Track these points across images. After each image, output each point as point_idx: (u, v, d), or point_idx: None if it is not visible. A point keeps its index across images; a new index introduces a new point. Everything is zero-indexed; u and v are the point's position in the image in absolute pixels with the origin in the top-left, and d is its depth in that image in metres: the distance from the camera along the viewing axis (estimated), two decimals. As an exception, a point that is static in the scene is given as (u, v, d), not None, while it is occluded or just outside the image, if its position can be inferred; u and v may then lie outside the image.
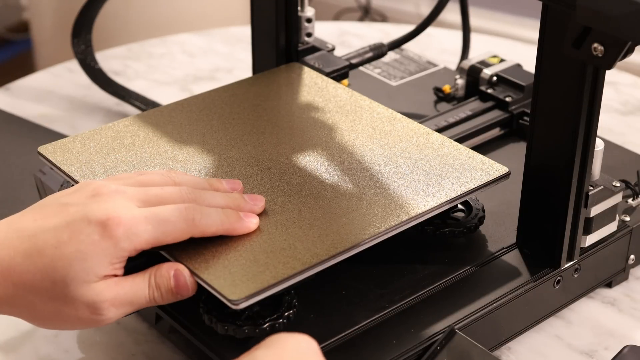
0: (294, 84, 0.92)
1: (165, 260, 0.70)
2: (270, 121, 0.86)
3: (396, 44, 1.04)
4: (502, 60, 0.99)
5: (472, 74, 0.98)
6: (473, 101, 0.97)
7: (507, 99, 0.95)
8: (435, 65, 1.08)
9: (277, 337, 0.60)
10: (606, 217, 0.79)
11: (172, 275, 0.66)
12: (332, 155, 0.81)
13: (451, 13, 1.36)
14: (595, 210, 0.77)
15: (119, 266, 0.65)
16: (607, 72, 0.72)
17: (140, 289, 0.66)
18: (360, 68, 1.05)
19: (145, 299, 0.66)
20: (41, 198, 0.86)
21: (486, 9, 2.43)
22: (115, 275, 0.65)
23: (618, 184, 0.78)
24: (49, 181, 0.85)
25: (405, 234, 0.74)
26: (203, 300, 0.70)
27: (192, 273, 0.68)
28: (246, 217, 0.70)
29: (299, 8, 0.98)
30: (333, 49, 1.00)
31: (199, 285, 0.68)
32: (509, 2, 2.44)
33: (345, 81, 0.98)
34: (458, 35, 1.14)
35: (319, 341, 0.69)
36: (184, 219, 0.66)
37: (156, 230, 0.65)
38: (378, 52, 1.02)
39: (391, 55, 1.09)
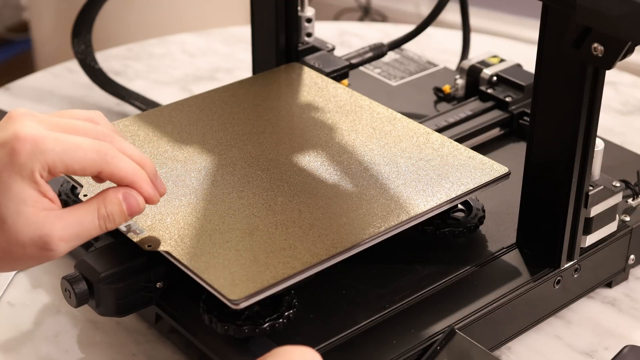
0: (294, 84, 0.92)
1: (165, 260, 0.70)
2: (270, 121, 0.86)
3: (396, 44, 1.04)
4: (502, 60, 0.99)
5: (472, 74, 0.98)
6: (473, 101, 0.97)
7: (507, 99, 0.95)
8: (435, 65, 1.08)
9: (283, 349, 0.59)
10: (606, 217, 0.79)
11: (122, 199, 0.65)
12: (332, 155, 0.81)
13: (451, 13, 1.36)
14: (595, 210, 0.77)
15: (44, 189, 0.62)
16: (607, 72, 0.72)
17: (88, 220, 0.64)
18: (360, 68, 1.05)
19: (95, 229, 0.65)
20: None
21: (486, 9, 2.43)
22: (63, 207, 0.64)
23: (618, 184, 0.78)
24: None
25: (405, 234, 0.74)
26: (203, 300, 0.70)
27: (193, 273, 0.68)
28: (154, 187, 0.68)
29: (299, 8, 0.98)
30: (333, 49, 1.00)
31: (199, 285, 0.68)
32: (509, 2, 2.44)
33: (345, 81, 0.98)
34: (458, 35, 1.13)
35: (319, 341, 0.70)
36: (97, 150, 0.64)
37: (65, 153, 0.62)
38: (378, 52, 1.02)
39: (391, 55, 1.09)
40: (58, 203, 0.64)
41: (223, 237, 0.70)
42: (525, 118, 0.94)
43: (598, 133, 0.74)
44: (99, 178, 0.67)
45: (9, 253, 0.63)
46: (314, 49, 0.99)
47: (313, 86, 0.91)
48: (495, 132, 0.95)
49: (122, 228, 0.72)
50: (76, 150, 0.63)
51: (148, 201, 0.67)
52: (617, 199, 0.79)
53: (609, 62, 0.66)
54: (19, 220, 0.62)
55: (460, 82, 0.99)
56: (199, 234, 0.71)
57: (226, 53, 1.26)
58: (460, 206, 0.81)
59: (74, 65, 1.19)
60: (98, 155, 0.64)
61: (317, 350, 0.69)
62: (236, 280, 0.66)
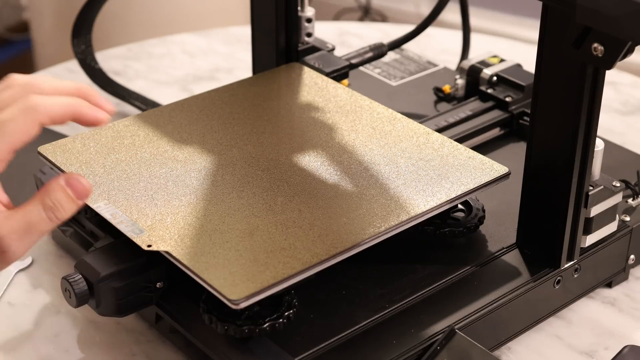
0: (294, 84, 0.92)
1: (165, 260, 0.70)
2: (270, 121, 0.86)
3: (396, 44, 1.04)
4: (502, 60, 0.99)
5: (472, 74, 0.98)
6: (473, 101, 0.97)
7: (507, 99, 0.95)
8: (435, 65, 1.08)
9: None
10: (606, 217, 0.79)
11: (65, 185, 0.64)
12: (332, 155, 0.81)
13: (451, 13, 1.36)
14: (595, 210, 0.77)
15: None
16: (607, 72, 0.72)
17: (34, 214, 0.63)
18: (360, 68, 1.05)
19: (44, 222, 0.64)
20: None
21: (486, 9, 2.43)
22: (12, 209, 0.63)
23: (618, 184, 0.78)
24: (49, 181, 0.85)
25: (405, 234, 0.74)
26: (203, 300, 0.70)
27: (193, 273, 0.68)
28: (97, 108, 0.66)
29: (299, 8, 0.98)
30: (333, 49, 1.00)
31: (199, 285, 0.68)
32: (509, 2, 2.44)
33: (345, 81, 0.98)
34: (458, 35, 1.13)
35: (319, 341, 0.70)
36: (23, 110, 0.62)
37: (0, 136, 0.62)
38: (378, 52, 1.02)
39: (391, 55, 1.09)
40: (9, 204, 0.64)
41: (223, 237, 0.70)
42: (525, 118, 0.94)
43: (598, 133, 0.74)
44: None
45: None
46: (314, 49, 0.99)
47: (313, 86, 0.91)
48: (495, 132, 0.95)
49: (122, 227, 0.72)
50: (7, 125, 0.62)
51: (96, 123, 0.65)
52: (617, 199, 0.79)
53: (609, 62, 0.66)
54: None
55: (460, 82, 0.99)
56: (199, 234, 0.71)
57: (226, 53, 1.26)
58: (460, 206, 0.81)
59: (74, 65, 1.19)
60: (28, 113, 0.62)
61: (317, 350, 0.69)
62: (236, 280, 0.66)
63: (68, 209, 0.65)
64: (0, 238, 0.62)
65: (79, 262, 0.72)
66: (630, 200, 0.84)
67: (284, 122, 0.86)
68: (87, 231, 0.81)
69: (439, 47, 1.26)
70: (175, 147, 0.81)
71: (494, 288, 0.76)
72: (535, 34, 0.80)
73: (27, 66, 2.40)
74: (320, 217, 0.73)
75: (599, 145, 0.76)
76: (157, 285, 0.73)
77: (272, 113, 0.87)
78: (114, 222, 0.72)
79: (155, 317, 0.77)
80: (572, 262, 0.78)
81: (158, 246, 0.70)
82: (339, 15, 2.64)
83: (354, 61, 1.00)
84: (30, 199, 0.64)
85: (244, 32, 1.29)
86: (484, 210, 0.80)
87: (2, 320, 0.80)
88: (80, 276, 0.71)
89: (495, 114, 0.95)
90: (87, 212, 0.79)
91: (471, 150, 0.81)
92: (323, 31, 1.20)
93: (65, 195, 0.65)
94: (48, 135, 1.05)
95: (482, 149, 0.91)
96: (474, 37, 1.12)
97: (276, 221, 0.72)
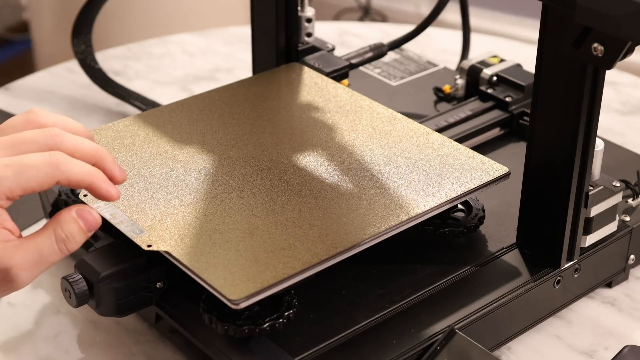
0: (294, 84, 0.92)
1: (165, 260, 0.70)
2: (270, 121, 0.86)
3: (396, 44, 1.04)
4: (502, 60, 0.99)
5: (472, 74, 0.98)
6: (473, 101, 0.97)
7: (507, 99, 0.95)
8: (435, 65, 1.08)
9: None
10: (606, 217, 0.79)
11: (77, 217, 0.65)
12: (332, 155, 0.81)
13: (451, 13, 1.36)
14: (595, 210, 0.77)
15: (1, 220, 0.62)
16: (607, 72, 0.72)
17: (46, 246, 0.64)
18: (360, 68, 1.05)
19: (55, 254, 0.64)
20: (41, 198, 0.86)
21: (486, 9, 2.43)
22: (19, 236, 0.63)
23: (618, 184, 0.78)
24: (49, 181, 0.85)
25: (405, 234, 0.74)
26: (203, 300, 0.70)
27: (193, 273, 0.68)
28: (112, 184, 0.67)
29: (299, 8, 0.98)
30: (333, 49, 1.00)
31: (199, 285, 0.68)
32: (509, 2, 2.44)
33: (345, 81, 0.98)
34: (458, 35, 1.13)
35: (319, 341, 0.70)
36: (48, 163, 0.63)
37: (18, 176, 0.62)
38: (378, 52, 1.02)
39: (391, 55, 1.09)
40: (17, 232, 0.64)
41: (223, 237, 0.70)
42: (525, 118, 0.94)
43: (598, 133, 0.74)
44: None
45: None
46: (314, 49, 0.99)
47: (313, 86, 0.91)
48: (495, 132, 0.95)
49: (122, 227, 0.72)
50: (28, 170, 0.62)
51: (108, 199, 0.66)
52: (617, 199, 0.79)
53: (609, 62, 0.66)
54: None
55: (460, 82, 0.99)
56: (199, 234, 0.71)
57: (226, 53, 1.26)
58: (460, 206, 0.81)
59: (74, 65, 1.19)
60: (51, 168, 0.63)
61: (317, 350, 0.69)
62: (236, 280, 0.66)
63: (79, 241, 0.65)
64: (9, 268, 0.62)
65: (79, 262, 0.72)
66: (630, 200, 0.84)
67: (284, 122, 0.86)
68: (87, 231, 0.81)
69: (439, 47, 1.26)
70: (175, 147, 0.81)
71: (494, 288, 0.76)
72: (535, 34, 0.80)
73: (27, 66, 2.41)
74: (320, 217, 0.73)
75: (599, 145, 0.76)
76: (157, 285, 0.73)
77: (272, 113, 0.87)
78: (114, 222, 0.72)
79: (155, 317, 0.77)
80: (572, 262, 0.78)
81: (158, 246, 0.70)
82: (339, 15, 2.64)
83: (354, 61, 1.00)
84: (42, 229, 0.64)
85: (244, 32, 1.29)
86: (484, 210, 0.80)
87: (2, 320, 0.80)
88: (80, 276, 0.71)
89: (495, 114, 0.95)
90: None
91: (471, 150, 0.81)
92: (323, 31, 1.20)
93: (78, 227, 0.65)
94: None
95: (482, 149, 0.91)
96: (474, 37, 1.12)
97: (276, 221, 0.72)
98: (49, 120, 0.67)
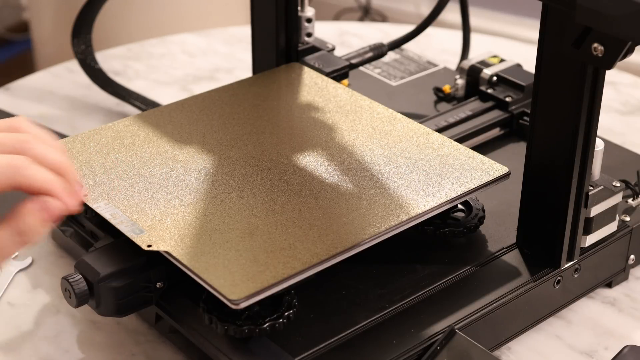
0: (294, 84, 0.92)
1: (165, 260, 0.70)
2: (270, 121, 0.86)
3: (396, 44, 1.04)
4: (502, 60, 0.99)
5: (472, 74, 0.98)
6: (473, 101, 0.97)
7: (507, 99, 0.95)
8: (435, 65, 1.08)
9: None
10: (606, 217, 0.79)
11: (38, 208, 0.64)
12: (332, 155, 0.81)
13: (451, 13, 1.36)
14: (595, 210, 0.77)
15: None
16: (607, 72, 0.72)
17: (5, 238, 0.63)
18: (360, 68, 1.05)
19: (15, 246, 0.63)
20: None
21: (486, 9, 2.43)
22: None
23: (618, 184, 0.78)
24: (49, 181, 0.85)
25: (405, 234, 0.74)
26: (203, 300, 0.70)
27: (193, 273, 0.68)
28: (71, 196, 0.66)
29: (299, 8, 0.98)
30: (333, 49, 1.00)
31: (199, 285, 0.68)
32: (509, 2, 2.44)
33: (345, 81, 0.98)
34: (458, 35, 1.13)
35: (319, 341, 0.70)
36: (7, 165, 0.63)
37: None
38: (378, 52, 1.02)
39: (391, 55, 1.09)
40: None
41: (223, 237, 0.70)
42: (525, 118, 0.94)
43: (598, 133, 0.74)
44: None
45: None
46: (314, 49, 0.99)
47: (313, 86, 0.91)
48: (495, 132, 0.95)
49: (122, 227, 0.72)
50: None
51: (66, 209, 0.65)
52: (617, 199, 0.79)
53: (609, 62, 0.66)
54: None
55: (460, 82, 0.99)
56: (199, 234, 0.71)
57: (226, 53, 1.26)
58: (460, 206, 0.81)
59: (74, 65, 1.19)
60: (9, 170, 0.63)
61: (317, 350, 0.69)
62: (236, 280, 0.66)
63: (40, 232, 0.64)
64: None
65: (79, 262, 0.72)
66: (630, 200, 0.84)
67: (284, 122, 0.86)
68: (87, 231, 0.81)
69: (439, 47, 1.26)
70: (175, 147, 0.81)
71: (494, 288, 0.76)
72: (535, 34, 0.80)
73: (27, 66, 2.40)
74: (320, 217, 0.73)
75: (599, 145, 0.76)
76: (157, 285, 0.73)
77: (272, 113, 0.87)
78: (114, 222, 0.73)
79: (155, 317, 0.77)
80: (572, 262, 0.78)
81: (158, 246, 0.70)
82: (339, 15, 2.64)
83: (354, 61, 1.00)
84: (1, 222, 0.64)
85: (244, 32, 1.29)
86: (484, 210, 0.80)
87: (2, 320, 0.80)
88: (80, 276, 0.71)
89: (495, 114, 0.95)
90: (87, 212, 0.79)
91: (471, 150, 0.81)
92: (323, 31, 1.20)
93: (38, 219, 0.64)
94: (48, 135, 1.05)
95: (482, 149, 0.91)
96: (474, 37, 1.12)
97: (276, 221, 0.72)
98: (30, 130, 0.67)
